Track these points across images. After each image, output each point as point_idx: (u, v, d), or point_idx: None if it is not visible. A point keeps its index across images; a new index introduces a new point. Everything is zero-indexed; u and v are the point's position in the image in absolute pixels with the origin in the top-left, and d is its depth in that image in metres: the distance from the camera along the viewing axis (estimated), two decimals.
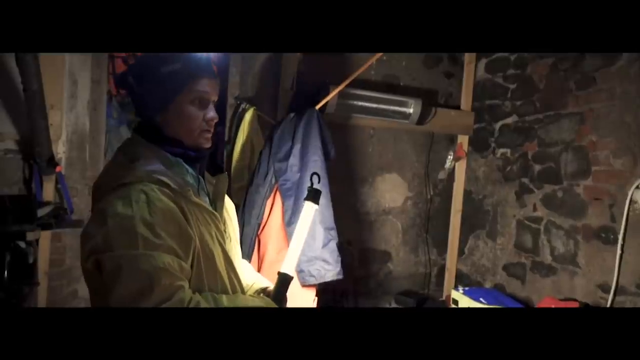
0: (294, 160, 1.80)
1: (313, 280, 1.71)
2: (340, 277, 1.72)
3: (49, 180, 2.55)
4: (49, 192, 2.57)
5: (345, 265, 3.18)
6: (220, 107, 3.65)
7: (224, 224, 1.16)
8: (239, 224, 2.19)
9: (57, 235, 2.64)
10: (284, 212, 1.86)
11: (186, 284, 0.91)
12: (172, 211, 0.93)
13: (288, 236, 1.83)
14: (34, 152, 2.42)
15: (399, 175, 3.34)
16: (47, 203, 2.49)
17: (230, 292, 1.07)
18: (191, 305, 0.89)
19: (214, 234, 1.05)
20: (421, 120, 3.06)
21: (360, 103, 2.93)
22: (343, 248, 3.20)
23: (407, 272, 3.38)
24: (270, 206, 1.98)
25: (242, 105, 2.95)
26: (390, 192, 3.31)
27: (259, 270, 1.98)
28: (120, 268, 0.84)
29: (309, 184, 1.73)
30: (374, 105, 2.98)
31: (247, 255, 1.99)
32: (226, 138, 3.22)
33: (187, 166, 1.05)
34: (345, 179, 3.16)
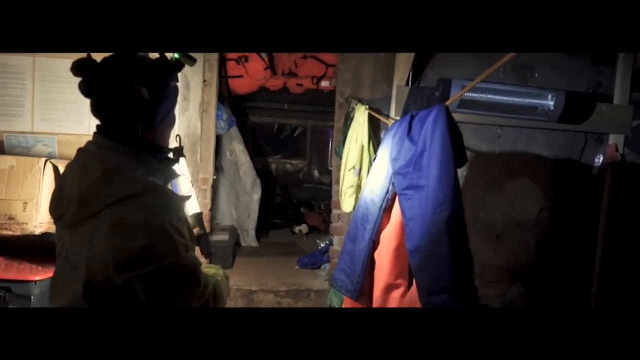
0: (418, 168, 1.48)
1: None
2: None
3: None
4: None
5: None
6: (328, 107, 3.50)
7: None
8: (348, 237, 1.96)
9: None
10: (403, 229, 1.56)
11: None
12: (182, 213, 1.03)
13: (411, 262, 1.51)
14: None
15: (532, 181, 2.86)
16: None
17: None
18: (210, 287, 1.06)
19: None
20: (563, 116, 2.56)
21: (485, 97, 2.53)
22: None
23: (542, 296, 2.89)
24: (388, 221, 1.70)
25: (352, 104, 2.74)
26: (520, 201, 2.86)
27: (373, 295, 1.74)
28: (174, 272, 0.93)
29: (435, 201, 1.38)
30: (503, 100, 2.55)
31: (359, 276, 1.75)
32: (335, 140, 3.04)
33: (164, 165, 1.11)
34: (466, 185, 2.79)
